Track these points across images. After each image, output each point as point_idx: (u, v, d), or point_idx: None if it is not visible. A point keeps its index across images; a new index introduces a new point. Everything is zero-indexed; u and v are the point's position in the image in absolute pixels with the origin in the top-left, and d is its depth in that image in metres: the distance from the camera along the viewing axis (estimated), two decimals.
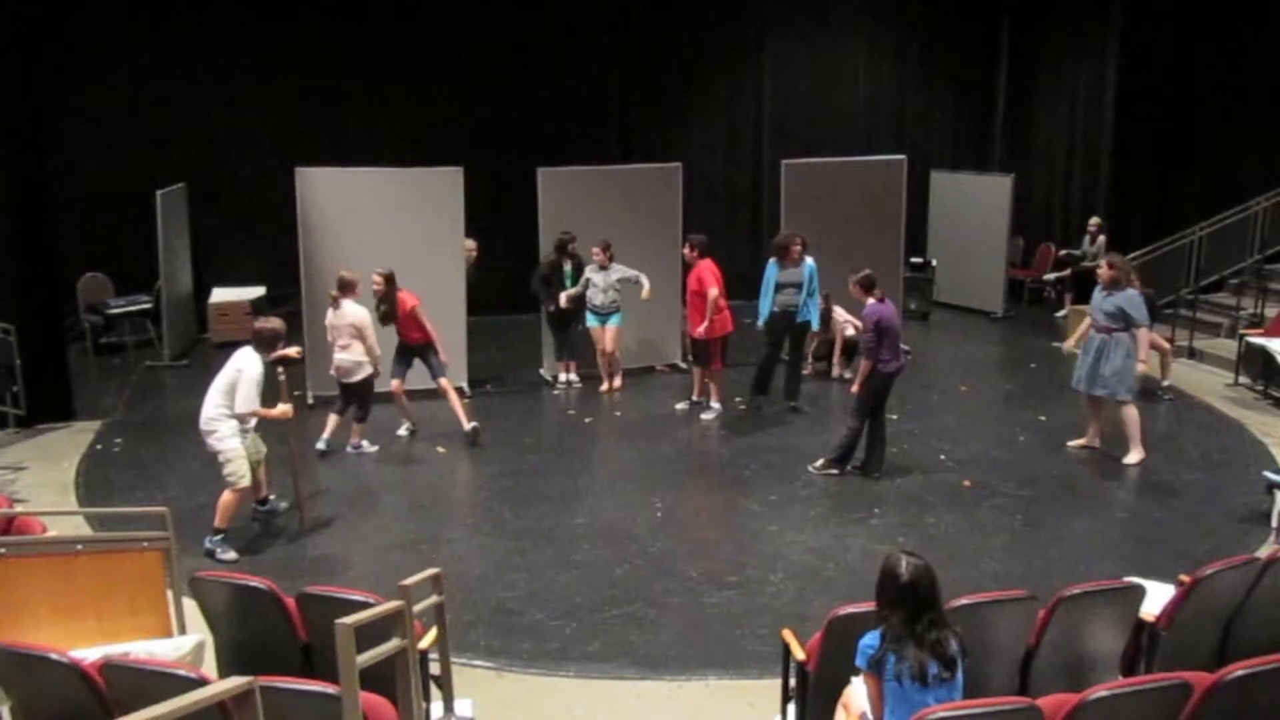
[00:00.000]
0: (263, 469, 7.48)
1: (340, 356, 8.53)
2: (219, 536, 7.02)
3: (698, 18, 14.71)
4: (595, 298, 10.42)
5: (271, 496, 7.67)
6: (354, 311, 8.48)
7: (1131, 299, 8.29)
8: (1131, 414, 8.46)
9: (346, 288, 8.55)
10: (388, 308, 8.91)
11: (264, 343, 7.06)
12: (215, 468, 8.51)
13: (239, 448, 6.98)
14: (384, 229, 9.95)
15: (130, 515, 6.67)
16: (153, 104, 12.62)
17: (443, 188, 10.17)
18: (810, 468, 8.44)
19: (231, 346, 7.50)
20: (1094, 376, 8.43)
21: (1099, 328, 8.41)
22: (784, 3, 15.09)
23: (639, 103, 14.65)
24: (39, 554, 4.73)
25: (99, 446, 9.09)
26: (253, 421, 7.08)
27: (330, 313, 8.60)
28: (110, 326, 12.36)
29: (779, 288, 9.60)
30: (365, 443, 8.95)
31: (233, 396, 6.84)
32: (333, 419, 8.85)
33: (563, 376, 10.90)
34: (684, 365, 11.18)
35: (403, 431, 9.31)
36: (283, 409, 7.11)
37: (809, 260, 9.68)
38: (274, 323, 7.22)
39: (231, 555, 7.00)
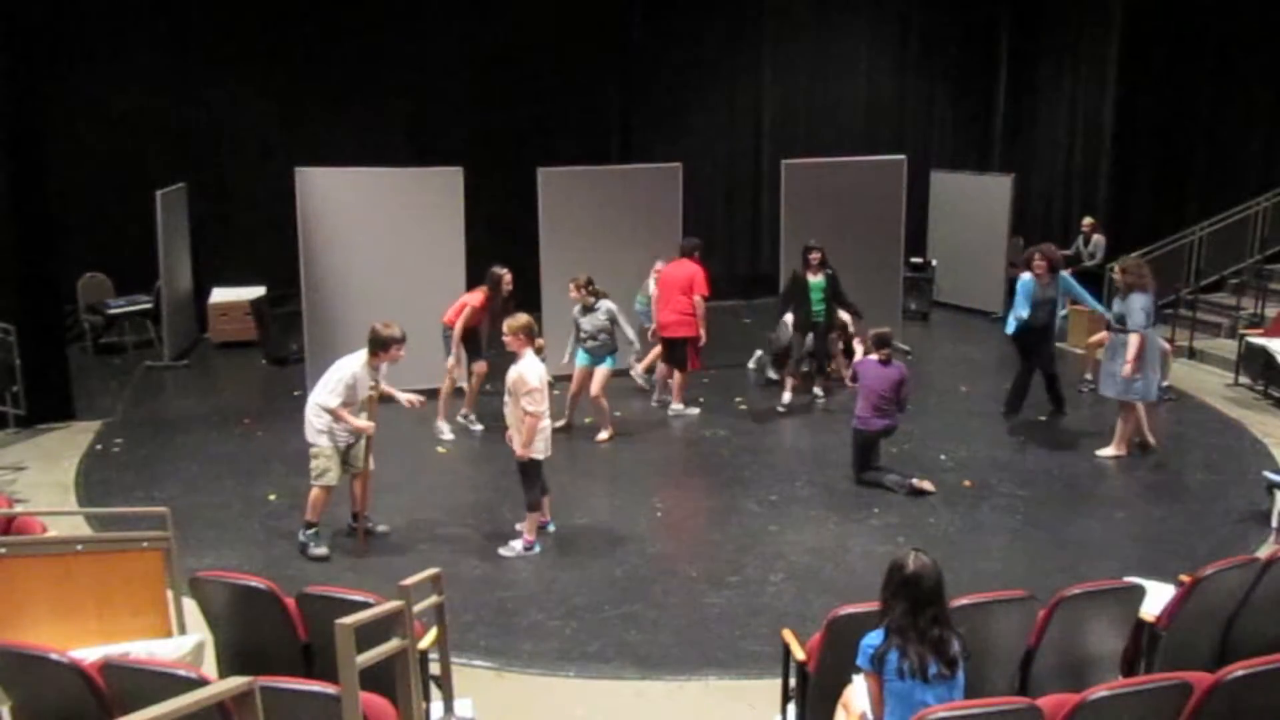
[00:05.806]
0: (359, 483, 7.01)
1: (548, 424, 6.92)
2: (311, 530, 6.85)
3: (698, 18, 14.72)
4: (586, 341, 9.14)
5: (368, 516, 7.12)
6: None
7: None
8: None
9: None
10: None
11: (371, 343, 6.68)
12: (214, 467, 8.60)
13: (326, 446, 6.71)
14: (384, 229, 9.97)
15: (130, 515, 6.67)
16: (153, 104, 12.62)
17: (443, 188, 10.16)
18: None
19: (231, 347, 7.36)
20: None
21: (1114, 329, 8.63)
22: (784, 3, 15.10)
23: (639, 103, 14.65)
24: (39, 554, 4.72)
25: (99, 446, 9.08)
26: (357, 421, 6.68)
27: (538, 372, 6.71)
28: (110, 326, 12.35)
29: (1036, 305, 9.14)
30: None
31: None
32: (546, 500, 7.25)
33: (787, 397, 10.04)
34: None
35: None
36: (363, 423, 6.69)
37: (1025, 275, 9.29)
38: (392, 328, 6.67)
39: (322, 551, 6.82)
